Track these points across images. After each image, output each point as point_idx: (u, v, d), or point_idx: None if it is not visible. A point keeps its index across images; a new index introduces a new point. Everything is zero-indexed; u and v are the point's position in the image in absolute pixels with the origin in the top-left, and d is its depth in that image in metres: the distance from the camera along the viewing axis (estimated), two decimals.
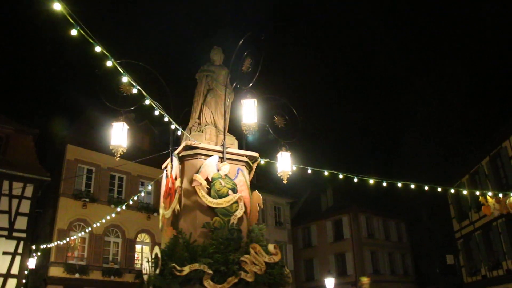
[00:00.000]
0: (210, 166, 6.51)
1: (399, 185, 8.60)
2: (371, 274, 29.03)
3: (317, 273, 30.21)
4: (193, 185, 6.39)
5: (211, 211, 6.31)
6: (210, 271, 5.64)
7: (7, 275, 14.99)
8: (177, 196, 6.37)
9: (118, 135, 6.12)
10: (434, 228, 35.21)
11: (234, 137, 7.23)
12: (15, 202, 16.10)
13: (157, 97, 6.25)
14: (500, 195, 10.71)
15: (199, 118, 7.25)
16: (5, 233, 15.51)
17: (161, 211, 6.92)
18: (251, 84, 6.57)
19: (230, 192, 6.44)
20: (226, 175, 6.55)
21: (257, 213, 6.79)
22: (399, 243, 33.09)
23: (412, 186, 8.62)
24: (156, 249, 5.97)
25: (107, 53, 4.08)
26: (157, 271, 5.75)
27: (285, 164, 6.96)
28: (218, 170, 6.54)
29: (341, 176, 7.77)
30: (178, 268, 5.61)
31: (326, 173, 7.71)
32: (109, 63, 4.38)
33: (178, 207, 6.42)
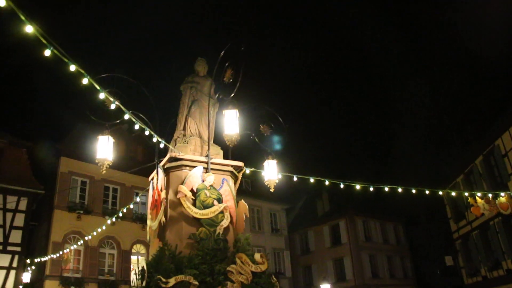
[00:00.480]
0: (195, 177, 6.55)
1: (386, 189, 8.65)
2: (370, 279, 28.99)
3: (316, 279, 30.04)
4: (178, 196, 6.42)
5: (197, 222, 6.33)
6: (196, 282, 5.65)
7: None
8: (162, 207, 6.40)
9: (104, 148, 6.21)
10: (432, 229, 35.12)
11: (219, 147, 7.27)
12: (9, 215, 16.08)
13: (144, 110, 6.33)
14: (490, 195, 10.70)
15: (184, 129, 7.30)
16: (0, 247, 15.47)
17: (148, 222, 6.96)
18: (232, 95, 6.64)
19: (215, 202, 6.47)
20: (211, 185, 6.58)
21: (243, 223, 6.81)
22: (398, 246, 32.82)
23: (399, 189, 8.67)
24: (143, 262, 6.00)
25: (82, 71, 4.14)
26: (144, 283, 5.76)
27: (271, 172, 7.02)
28: (203, 181, 6.57)
29: (327, 183, 7.81)
30: (164, 280, 5.62)
31: (312, 180, 7.76)
32: (86, 80, 4.43)
33: (164, 218, 6.45)
